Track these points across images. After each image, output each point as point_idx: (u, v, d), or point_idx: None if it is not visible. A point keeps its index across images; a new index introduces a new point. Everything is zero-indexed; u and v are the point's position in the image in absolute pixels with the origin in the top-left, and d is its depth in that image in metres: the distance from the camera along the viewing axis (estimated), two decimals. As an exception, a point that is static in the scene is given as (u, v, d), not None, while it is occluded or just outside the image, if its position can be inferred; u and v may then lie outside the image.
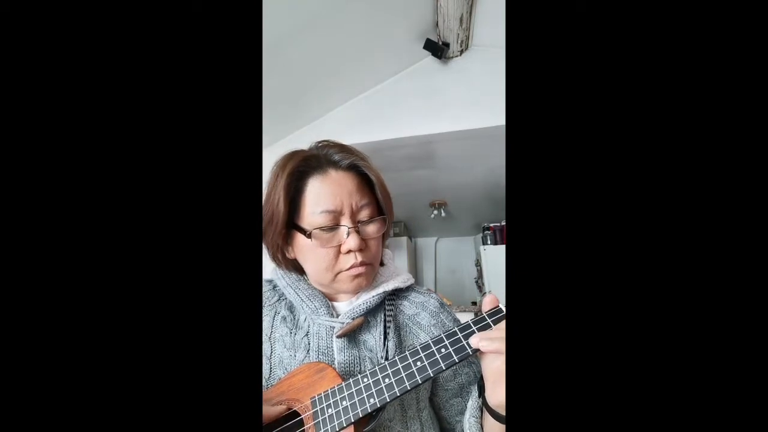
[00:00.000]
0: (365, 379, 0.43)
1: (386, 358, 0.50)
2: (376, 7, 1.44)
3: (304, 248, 0.53)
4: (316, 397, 0.44)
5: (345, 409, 0.42)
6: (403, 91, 1.88)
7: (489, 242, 2.86)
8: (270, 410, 0.45)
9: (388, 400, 0.41)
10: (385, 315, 0.54)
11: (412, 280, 0.62)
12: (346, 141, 0.57)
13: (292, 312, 0.57)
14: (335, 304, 0.57)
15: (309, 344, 0.52)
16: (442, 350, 0.41)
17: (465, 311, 2.76)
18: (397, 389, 0.41)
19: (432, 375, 0.41)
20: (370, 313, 0.55)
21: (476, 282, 3.54)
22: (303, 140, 0.60)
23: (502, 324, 0.40)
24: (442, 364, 0.41)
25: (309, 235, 0.50)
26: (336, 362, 0.50)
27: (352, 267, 0.52)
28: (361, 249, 0.52)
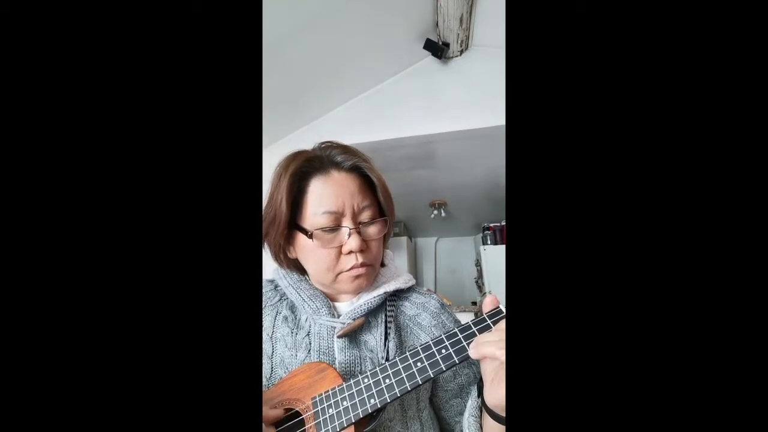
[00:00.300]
0: (366, 380, 0.43)
1: (387, 359, 0.50)
2: (376, 7, 1.44)
3: (305, 248, 0.53)
4: (317, 397, 0.44)
5: (346, 409, 0.42)
6: (403, 91, 1.88)
7: (489, 242, 2.86)
8: (268, 413, 0.45)
9: (389, 400, 0.41)
10: (386, 315, 0.54)
11: (413, 281, 0.62)
12: (346, 141, 0.57)
13: (293, 312, 0.57)
14: (336, 304, 0.57)
15: (310, 344, 0.52)
16: (443, 351, 0.41)
17: (465, 311, 2.77)
18: (397, 390, 0.41)
19: (432, 375, 0.41)
20: (371, 314, 0.55)
21: (476, 282, 3.54)
22: (303, 140, 0.60)
23: (499, 325, 0.40)
24: (443, 365, 0.41)
25: (310, 236, 0.51)
26: (337, 362, 0.50)
27: (352, 268, 0.52)
28: (362, 250, 0.52)
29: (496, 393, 0.38)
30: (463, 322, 0.44)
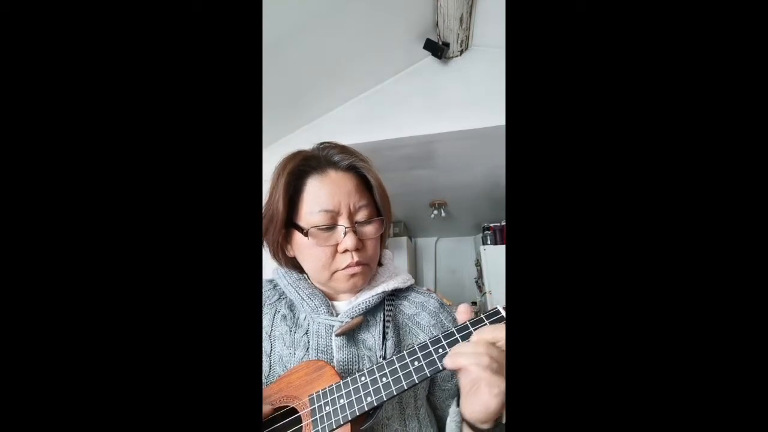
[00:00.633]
0: (363, 378, 0.43)
1: (385, 358, 0.50)
2: (376, 7, 1.44)
3: (302, 246, 0.54)
4: (314, 395, 0.44)
5: (342, 407, 0.42)
6: (403, 91, 1.87)
7: (489, 242, 2.86)
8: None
9: (385, 399, 0.41)
10: (384, 315, 0.55)
11: (411, 281, 0.62)
12: (345, 141, 0.58)
13: (292, 310, 0.57)
14: (335, 303, 0.57)
15: (308, 342, 0.53)
16: (440, 351, 0.41)
17: (464, 311, 2.75)
18: (394, 388, 0.41)
19: (429, 375, 0.41)
20: (369, 313, 0.55)
21: (476, 282, 3.54)
22: (302, 140, 0.60)
23: (476, 336, 0.39)
24: (439, 365, 0.41)
25: (306, 234, 0.51)
26: (335, 360, 0.50)
27: (348, 266, 0.52)
28: (358, 249, 0.52)
29: (470, 405, 0.38)
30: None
